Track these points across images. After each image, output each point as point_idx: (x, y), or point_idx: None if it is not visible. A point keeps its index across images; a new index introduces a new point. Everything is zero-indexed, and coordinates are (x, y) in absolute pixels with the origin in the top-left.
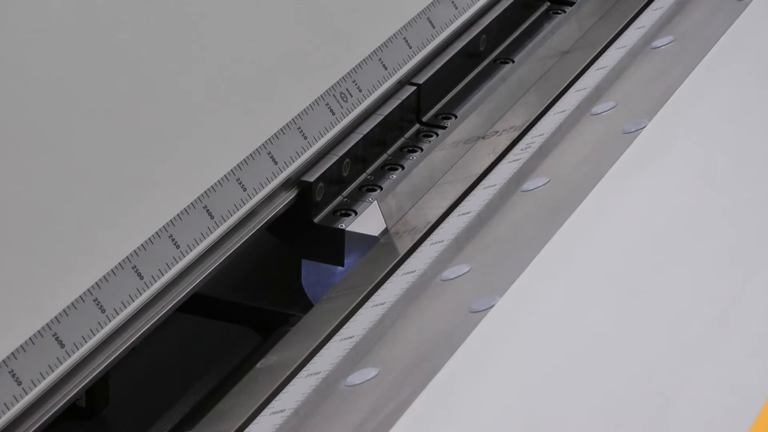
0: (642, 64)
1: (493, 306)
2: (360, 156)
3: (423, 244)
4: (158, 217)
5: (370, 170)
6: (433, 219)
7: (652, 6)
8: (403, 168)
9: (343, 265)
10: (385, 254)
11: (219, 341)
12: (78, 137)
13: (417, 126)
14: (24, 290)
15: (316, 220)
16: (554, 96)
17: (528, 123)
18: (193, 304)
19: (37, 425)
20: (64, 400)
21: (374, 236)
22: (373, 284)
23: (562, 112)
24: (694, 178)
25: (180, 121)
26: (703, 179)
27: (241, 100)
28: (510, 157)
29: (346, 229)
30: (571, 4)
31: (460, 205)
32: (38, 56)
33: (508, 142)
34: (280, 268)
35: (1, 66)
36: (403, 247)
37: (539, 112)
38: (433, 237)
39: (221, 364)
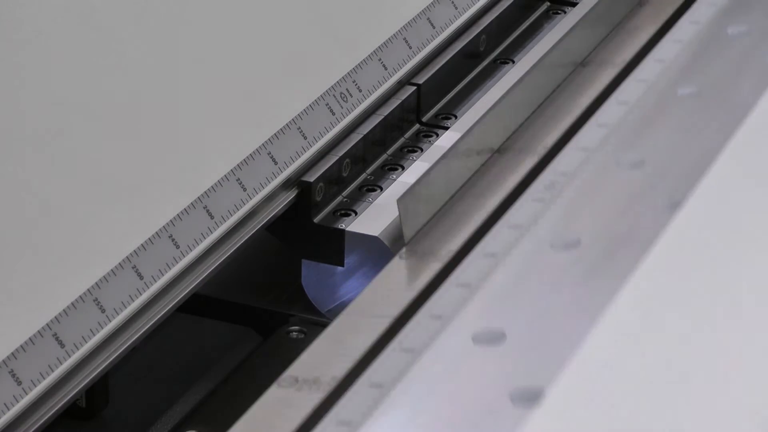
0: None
1: (539, 396)
2: (360, 156)
3: (448, 281)
4: (158, 217)
5: (370, 170)
6: (455, 248)
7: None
8: (403, 168)
9: (343, 265)
10: (404, 280)
11: (219, 341)
12: (78, 137)
13: (417, 126)
14: (24, 290)
15: (316, 220)
16: (573, 121)
17: (547, 150)
18: (193, 304)
19: (37, 425)
20: (64, 400)
21: (374, 236)
22: (395, 318)
23: (584, 149)
24: None
25: (180, 121)
26: None
27: (241, 100)
28: (533, 192)
29: (346, 229)
30: (572, 4)
31: (484, 241)
32: (38, 56)
33: (527, 169)
34: (280, 268)
35: (1, 66)
36: (423, 276)
37: (558, 136)
38: (459, 276)
39: (221, 364)
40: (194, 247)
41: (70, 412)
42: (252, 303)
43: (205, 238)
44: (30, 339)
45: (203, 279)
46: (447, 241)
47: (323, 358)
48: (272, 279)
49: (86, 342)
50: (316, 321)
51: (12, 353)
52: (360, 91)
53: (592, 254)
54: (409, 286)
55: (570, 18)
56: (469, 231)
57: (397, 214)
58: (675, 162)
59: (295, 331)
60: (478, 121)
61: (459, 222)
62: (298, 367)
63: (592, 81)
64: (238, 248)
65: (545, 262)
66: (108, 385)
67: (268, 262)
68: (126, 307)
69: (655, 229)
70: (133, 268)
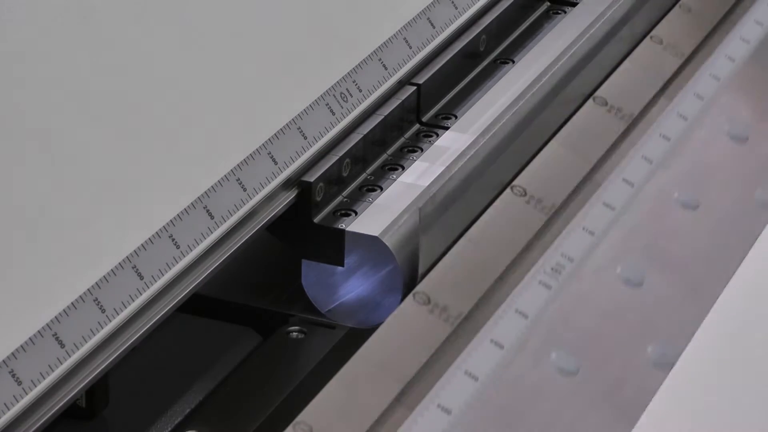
0: None
1: None
2: (360, 156)
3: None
4: (158, 217)
5: (370, 170)
6: (465, 310)
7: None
8: (403, 168)
9: (343, 265)
10: (417, 334)
11: (219, 341)
12: (78, 137)
13: (417, 126)
14: (24, 290)
15: (316, 220)
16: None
17: (558, 214)
18: (193, 304)
19: (37, 425)
20: (64, 400)
21: (374, 236)
22: (405, 383)
23: (590, 233)
24: None
25: (180, 121)
26: None
27: (241, 100)
28: (540, 272)
29: (346, 229)
30: (572, 4)
31: (488, 329)
32: (38, 55)
33: (539, 223)
34: (280, 268)
35: (1, 65)
36: (438, 336)
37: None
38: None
39: (221, 364)
40: (194, 247)
41: (70, 412)
42: (252, 303)
43: (205, 238)
44: (30, 339)
45: (203, 279)
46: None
47: None
48: (272, 279)
49: (86, 342)
50: (316, 321)
51: (12, 353)
52: (360, 91)
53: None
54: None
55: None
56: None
57: (397, 214)
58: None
59: (295, 331)
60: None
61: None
62: None
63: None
64: (238, 248)
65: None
66: (108, 385)
67: (268, 262)
68: (126, 307)
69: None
70: (133, 268)
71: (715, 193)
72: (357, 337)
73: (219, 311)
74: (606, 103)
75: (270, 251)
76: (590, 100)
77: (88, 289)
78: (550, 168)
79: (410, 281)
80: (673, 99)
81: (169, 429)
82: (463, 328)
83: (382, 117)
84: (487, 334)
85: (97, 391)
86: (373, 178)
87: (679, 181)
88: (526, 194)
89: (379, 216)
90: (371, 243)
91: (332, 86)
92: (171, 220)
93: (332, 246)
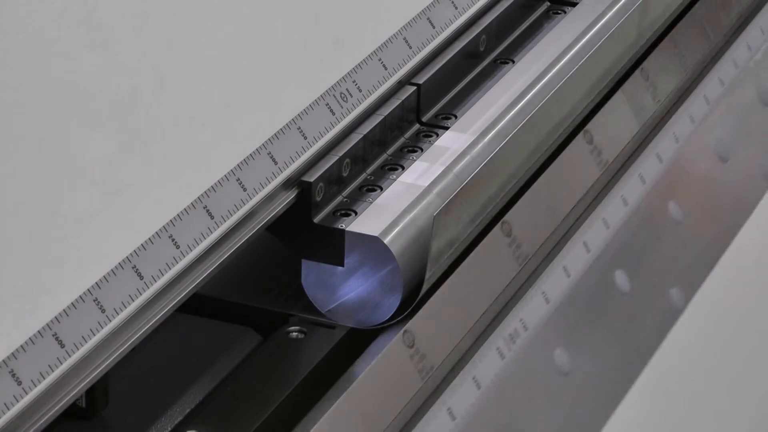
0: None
1: None
2: (360, 156)
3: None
4: (158, 217)
5: (370, 170)
6: (439, 368)
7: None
8: (403, 168)
9: (343, 265)
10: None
11: (219, 341)
12: (78, 136)
13: (417, 126)
14: (24, 290)
15: (316, 220)
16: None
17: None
18: (193, 304)
19: (37, 425)
20: (64, 400)
21: (374, 236)
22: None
23: (547, 299)
24: None
25: (180, 120)
26: None
27: (241, 100)
28: (495, 341)
29: (346, 229)
30: (572, 4)
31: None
32: (37, 54)
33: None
34: (280, 268)
35: (1, 64)
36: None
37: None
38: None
39: (221, 364)
40: (194, 247)
41: (70, 412)
42: (252, 303)
43: (205, 238)
44: (30, 339)
45: (203, 279)
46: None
47: None
48: (272, 279)
49: (86, 342)
50: (316, 321)
51: (12, 353)
52: (360, 91)
53: None
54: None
55: None
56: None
57: (397, 214)
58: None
59: (295, 331)
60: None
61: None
62: None
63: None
64: (238, 248)
65: None
66: (108, 385)
67: (268, 262)
68: (126, 307)
69: None
70: (133, 268)
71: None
72: (357, 337)
73: (219, 311)
74: (592, 141)
75: (270, 251)
76: (580, 134)
77: (88, 289)
78: (535, 208)
79: (410, 281)
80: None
81: (169, 429)
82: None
83: (382, 117)
84: (444, 402)
85: (97, 391)
86: (373, 178)
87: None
88: (511, 234)
89: (379, 216)
90: (371, 243)
91: (332, 86)
92: (171, 220)
93: (332, 246)
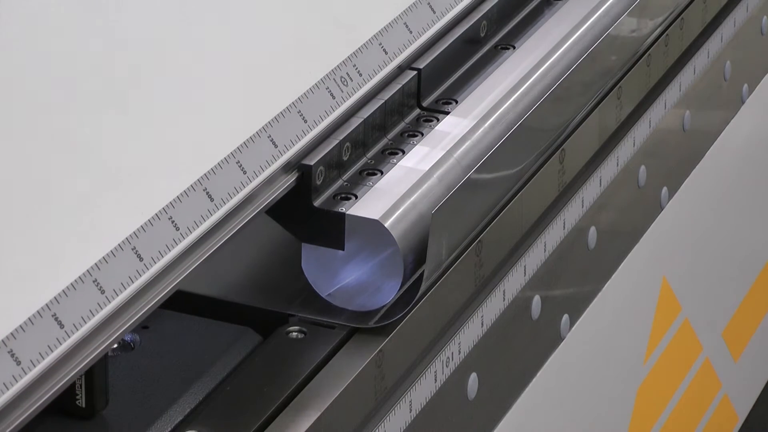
0: None
1: None
2: (360, 140)
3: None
4: (158, 199)
5: (370, 155)
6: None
7: None
8: (403, 152)
9: (343, 249)
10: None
11: (219, 341)
12: (79, 119)
13: (417, 111)
14: (23, 271)
15: (316, 203)
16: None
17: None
18: (193, 304)
19: (36, 405)
20: (64, 381)
21: (374, 219)
22: None
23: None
24: None
25: (180, 103)
26: None
27: (242, 83)
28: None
29: (347, 212)
30: None
31: None
32: (37, 40)
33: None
34: (280, 268)
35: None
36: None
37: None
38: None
39: (221, 364)
40: (194, 229)
41: (70, 412)
42: (252, 303)
43: (204, 221)
44: (29, 319)
45: (202, 261)
46: None
47: None
48: (272, 279)
49: (85, 322)
50: (316, 321)
51: (11, 333)
52: (360, 75)
53: None
54: None
55: None
56: None
57: (397, 198)
58: None
59: (295, 331)
60: None
61: None
62: None
63: None
64: (237, 231)
65: None
66: (108, 385)
67: (269, 262)
68: (125, 289)
69: None
70: (132, 249)
71: None
72: (357, 337)
73: (219, 311)
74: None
75: (270, 251)
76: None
77: (88, 270)
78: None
79: (411, 265)
80: None
81: (169, 429)
82: None
83: (383, 101)
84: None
85: (97, 391)
86: (373, 162)
87: None
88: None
89: (380, 200)
90: (372, 226)
91: (333, 70)
92: (171, 202)
93: (332, 230)
